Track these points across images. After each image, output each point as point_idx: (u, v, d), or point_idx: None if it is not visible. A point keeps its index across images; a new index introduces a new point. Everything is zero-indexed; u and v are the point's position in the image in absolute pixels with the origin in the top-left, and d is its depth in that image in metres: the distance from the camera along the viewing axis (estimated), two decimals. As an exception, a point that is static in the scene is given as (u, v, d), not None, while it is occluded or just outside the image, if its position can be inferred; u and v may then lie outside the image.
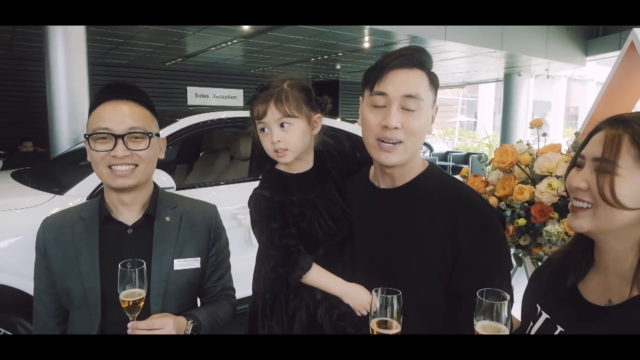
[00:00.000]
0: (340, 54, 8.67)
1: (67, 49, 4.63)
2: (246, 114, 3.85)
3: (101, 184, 2.61)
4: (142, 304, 1.00)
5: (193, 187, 3.04)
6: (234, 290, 1.34)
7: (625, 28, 9.22)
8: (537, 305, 0.93)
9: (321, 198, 1.10)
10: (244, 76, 11.20)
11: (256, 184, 3.59)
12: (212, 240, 1.24)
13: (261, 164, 3.22)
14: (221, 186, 3.16)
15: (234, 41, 7.35)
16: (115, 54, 8.38)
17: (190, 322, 1.12)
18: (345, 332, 1.03)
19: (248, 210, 3.25)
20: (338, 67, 10.55)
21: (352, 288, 1.05)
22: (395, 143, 0.99)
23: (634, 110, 1.61)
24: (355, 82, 13.05)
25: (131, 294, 0.99)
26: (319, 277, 1.05)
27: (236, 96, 11.02)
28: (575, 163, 0.86)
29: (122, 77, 9.34)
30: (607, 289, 0.83)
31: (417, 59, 0.99)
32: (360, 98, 1.09)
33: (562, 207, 1.43)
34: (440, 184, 1.06)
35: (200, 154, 4.20)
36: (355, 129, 3.79)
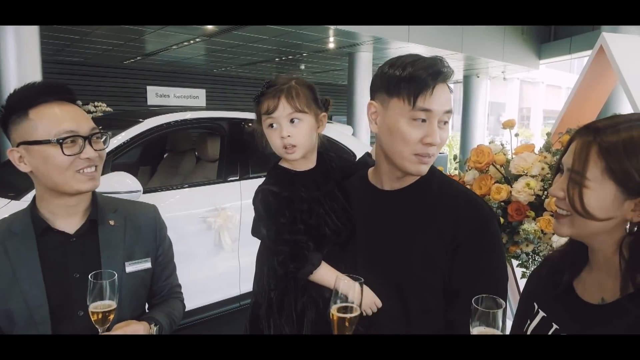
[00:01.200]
0: (305, 55, 8.65)
1: (19, 45, 4.38)
2: (212, 114, 3.73)
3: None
4: (112, 316, 0.96)
5: (158, 190, 2.94)
6: (180, 287, 1.33)
7: (575, 33, 9.71)
8: (535, 303, 0.94)
9: (325, 196, 1.09)
10: (206, 76, 11.00)
11: (225, 186, 3.47)
12: (158, 240, 1.23)
13: (230, 166, 3.16)
14: (188, 189, 3.07)
15: (197, 40, 7.19)
16: (71, 51, 8.01)
17: (153, 325, 1.10)
18: (356, 330, 1.01)
19: (217, 213, 3.13)
20: (302, 67, 10.54)
21: (352, 287, 1.03)
22: (432, 156, 1.02)
23: (601, 110, 1.68)
24: (319, 82, 13.03)
25: (101, 306, 0.95)
26: (326, 274, 1.03)
27: (198, 96, 10.80)
28: (559, 169, 0.88)
29: (78, 75, 8.95)
30: (601, 287, 0.85)
31: (448, 73, 1.00)
32: (375, 104, 1.05)
33: (537, 206, 1.47)
34: (443, 184, 1.08)
35: (165, 156, 4.08)
36: (327, 130, 3.77)
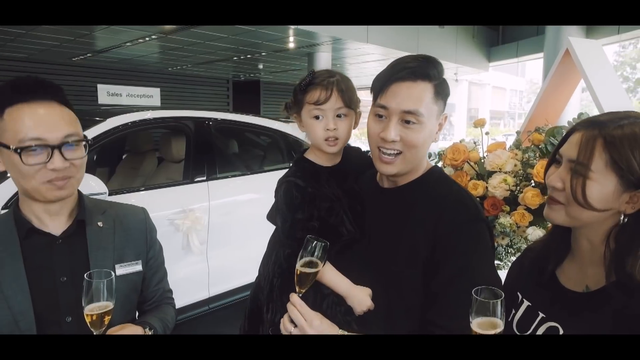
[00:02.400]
0: (264, 54, 8.60)
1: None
2: (178, 113, 3.62)
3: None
4: (108, 318, 0.91)
5: (120, 192, 2.82)
6: (172, 292, 1.30)
7: (521, 38, 10.24)
8: (518, 293, 0.96)
9: (345, 194, 1.09)
10: (160, 74, 10.68)
11: (192, 187, 3.39)
12: (148, 243, 1.19)
13: (197, 166, 3.08)
14: (153, 190, 2.97)
15: (153, 37, 6.98)
16: (14, 46, 7.54)
17: (147, 329, 1.06)
18: (350, 327, 1.02)
19: (185, 214, 3.06)
20: (260, 66, 10.46)
21: (356, 291, 1.04)
22: (394, 155, 1.01)
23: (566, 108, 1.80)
24: (277, 82, 13.03)
25: (97, 307, 0.90)
26: (327, 275, 1.04)
27: (152, 95, 10.46)
28: (554, 160, 0.90)
29: (22, 72, 8.43)
30: (584, 275, 0.88)
31: (422, 71, 0.97)
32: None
33: (512, 200, 1.54)
34: (439, 184, 1.06)
35: (124, 157, 3.92)
36: (291, 129, 3.77)
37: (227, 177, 3.25)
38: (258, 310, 1.15)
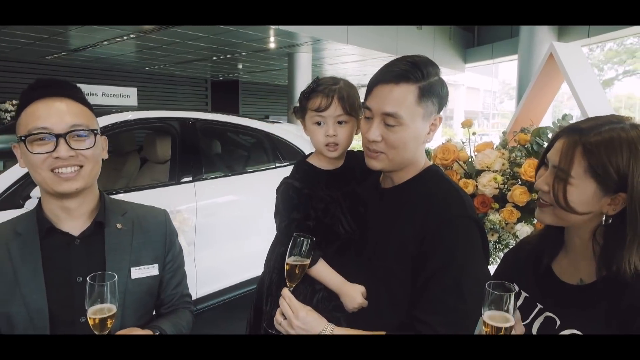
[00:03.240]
0: (243, 54, 8.56)
1: None
2: (164, 114, 3.58)
3: (7, 190, 2.29)
4: (111, 321, 0.91)
5: (110, 192, 2.78)
6: (190, 297, 1.29)
7: (496, 40, 10.49)
8: (515, 285, 0.98)
9: (345, 196, 1.13)
10: (137, 74, 10.51)
11: (179, 187, 3.37)
12: (167, 246, 1.18)
13: (183, 167, 3.07)
14: (138, 192, 2.94)
15: (131, 36, 6.86)
16: (-17, 44, 7.31)
17: (157, 333, 1.06)
18: (338, 323, 1.06)
19: (172, 215, 3.06)
20: (240, 66, 10.41)
21: (348, 288, 1.08)
22: (378, 152, 1.04)
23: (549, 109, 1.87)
24: (255, 82, 12.98)
25: (100, 310, 0.90)
26: (321, 272, 1.09)
27: (129, 95, 10.28)
28: (543, 163, 0.94)
29: (-7, 71, 8.20)
30: (577, 269, 0.92)
31: (404, 73, 0.98)
32: None
33: (500, 198, 1.61)
34: (431, 182, 1.07)
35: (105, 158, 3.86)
36: (276, 129, 3.78)
37: (214, 177, 3.24)
38: (260, 302, 1.20)
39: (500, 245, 1.65)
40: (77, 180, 1.01)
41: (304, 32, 6.82)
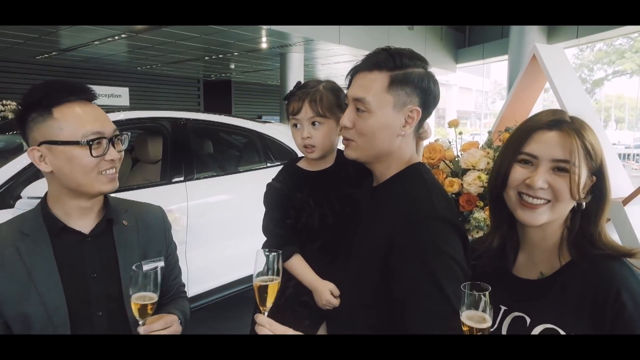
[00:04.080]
0: (236, 54, 8.57)
1: None
2: (155, 114, 3.59)
3: (0, 189, 2.29)
4: (152, 307, 0.94)
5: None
6: (184, 286, 1.35)
7: (487, 40, 10.57)
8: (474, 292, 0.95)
9: (329, 196, 1.16)
10: (129, 73, 10.47)
11: (170, 187, 3.38)
12: (167, 240, 1.24)
13: (174, 167, 3.08)
14: (129, 192, 2.94)
15: (122, 36, 6.85)
16: (-27, 44, 7.26)
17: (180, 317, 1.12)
18: (302, 319, 1.13)
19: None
20: (232, 66, 10.41)
21: (319, 284, 1.12)
22: (349, 140, 1.03)
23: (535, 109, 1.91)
24: (248, 82, 12.97)
25: (142, 297, 0.94)
26: (296, 267, 1.15)
27: (121, 95, 10.24)
28: (517, 160, 0.89)
29: (-18, 70, 8.14)
30: (535, 263, 0.91)
31: (375, 61, 0.98)
32: None
33: (485, 196, 1.64)
34: (408, 182, 1.02)
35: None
36: (267, 129, 3.80)
37: (205, 177, 3.26)
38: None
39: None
40: (115, 180, 1.07)
41: (295, 33, 6.84)
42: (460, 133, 1.91)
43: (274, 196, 1.19)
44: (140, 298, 0.94)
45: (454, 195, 1.68)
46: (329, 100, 1.15)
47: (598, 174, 0.87)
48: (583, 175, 0.85)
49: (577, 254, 0.87)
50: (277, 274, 0.91)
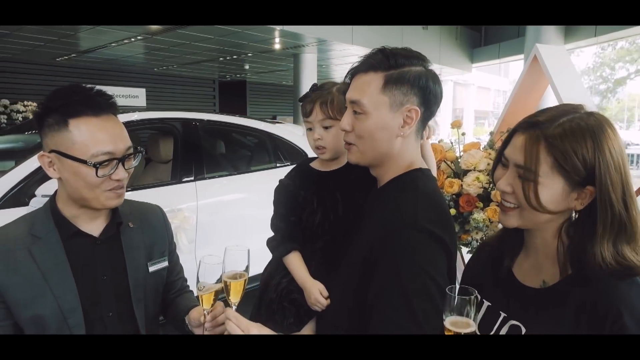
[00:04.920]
0: (250, 55, 8.64)
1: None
2: (166, 114, 3.66)
3: (14, 188, 2.37)
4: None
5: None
6: (187, 280, 1.37)
7: (503, 39, 10.45)
8: (477, 294, 0.88)
9: (334, 197, 1.18)
10: (146, 74, 10.64)
11: (181, 187, 3.43)
12: (169, 239, 1.27)
13: (185, 166, 3.14)
14: (141, 190, 3.02)
15: (138, 38, 6.97)
16: (-3, 46, 7.49)
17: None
18: (288, 315, 1.17)
19: (173, 214, 3.13)
20: (247, 67, 10.49)
21: (309, 284, 1.14)
22: (350, 144, 1.03)
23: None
24: (262, 82, 13.06)
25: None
26: (292, 264, 1.18)
27: (138, 95, 10.41)
28: (500, 161, 0.89)
29: (6, 72, 8.39)
30: (539, 271, 0.87)
31: (370, 62, 0.98)
32: None
33: (485, 197, 1.64)
34: (400, 189, 1.00)
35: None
36: (277, 130, 3.83)
37: (214, 177, 3.31)
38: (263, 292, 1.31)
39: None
40: (122, 197, 1.08)
41: (308, 33, 6.87)
42: (463, 134, 1.91)
43: (281, 193, 1.23)
44: (207, 289, 0.96)
45: (454, 196, 1.69)
46: (340, 102, 1.15)
47: (596, 184, 0.78)
48: (551, 185, 0.79)
49: (575, 268, 0.81)
50: (245, 270, 0.96)
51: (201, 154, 3.26)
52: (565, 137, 0.78)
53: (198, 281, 0.96)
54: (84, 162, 0.99)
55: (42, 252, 1.04)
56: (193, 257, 3.07)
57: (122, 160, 1.04)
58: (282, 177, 1.28)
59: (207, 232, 3.13)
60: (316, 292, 1.12)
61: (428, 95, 0.98)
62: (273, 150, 3.82)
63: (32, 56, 8.35)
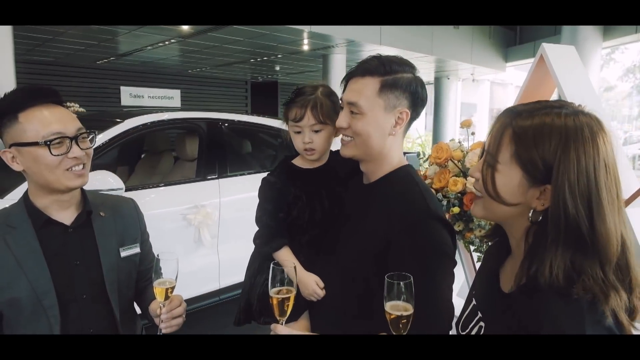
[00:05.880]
0: (279, 56, 8.77)
1: (-8, 46, 4.37)
2: (191, 114, 3.80)
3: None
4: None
5: (137, 188, 3.02)
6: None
7: (539, 37, 10.15)
8: (473, 292, 0.97)
9: (320, 193, 1.25)
10: (181, 76, 10.97)
11: (204, 184, 3.56)
12: (141, 229, 1.34)
13: (209, 165, 3.26)
14: (168, 187, 3.16)
15: (172, 41, 7.23)
16: (42, 50, 7.90)
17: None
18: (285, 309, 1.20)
19: (197, 210, 3.26)
20: (277, 68, 10.65)
21: (304, 276, 1.19)
22: (349, 139, 1.13)
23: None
24: (293, 83, 13.18)
25: (163, 282, 1.09)
26: (283, 258, 1.22)
27: (173, 97, 10.76)
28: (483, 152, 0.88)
29: (50, 75, 8.82)
30: (514, 274, 0.82)
31: (367, 67, 1.08)
32: None
33: (489, 196, 1.65)
34: (397, 183, 1.12)
35: (142, 156, 4.14)
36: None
37: (236, 175, 3.42)
38: (246, 286, 1.37)
39: (486, 239, 1.70)
40: (84, 176, 1.15)
41: (337, 34, 6.92)
42: (473, 133, 1.93)
43: (268, 189, 1.26)
44: (161, 283, 1.07)
45: (459, 194, 1.71)
46: (328, 107, 1.21)
47: (552, 182, 0.73)
48: (509, 174, 0.77)
49: (527, 277, 0.75)
50: (291, 284, 1.00)
51: (225, 152, 3.38)
52: (530, 128, 0.75)
53: (156, 276, 1.08)
54: (36, 144, 1.08)
55: (16, 240, 1.12)
56: (215, 252, 3.20)
57: (75, 139, 1.11)
58: (268, 172, 1.33)
59: (229, 228, 3.24)
60: (313, 284, 1.17)
61: (417, 100, 1.11)
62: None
63: (74, 59, 8.78)
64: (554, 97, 1.85)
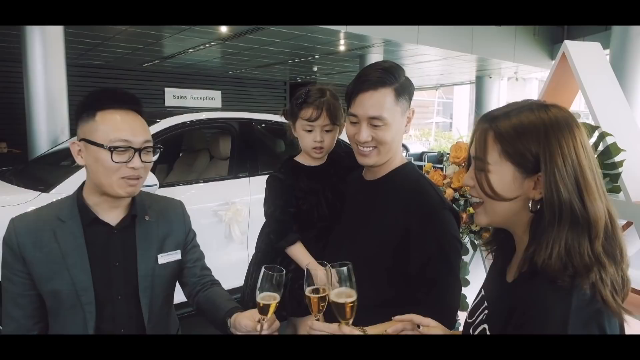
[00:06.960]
0: (317, 57, 8.84)
1: (45, 50, 4.66)
2: (224, 114, 3.92)
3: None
4: (274, 306, 1.03)
5: (174, 185, 3.16)
6: (210, 270, 1.39)
7: (587, 34, 9.69)
8: (483, 285, 1.00)
9: (325, 189, 1.31)
10: (221, 77, 11.25)
11: (236, 182, 3.67)
12: (187, 233, 1.34)
13: (240, 163, 3.36)
14: (202, 184, 3.29)
15: (212, 43, 7.45)
16: (93, 54, 8.35)
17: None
18: (300, 301, 1.21)
19: (228, 207, 3.37)
20: (315, 69, 10.73)
21: (321, 269, 1.22)
22: (370, 149, 1.17)
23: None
24: (331, 83, 13.10)
25: (268, 297, 1.02)
26: (296, 252, 1.28)
27: (214, 97, 11.07)
28: (469, 160, 0.91)
29: (100, 78, 9.27)
30: (517, 266, 0.86)
31: (380, 80, 1.13)
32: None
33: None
34: (408, 177, 1.20)
35: (180, 155, 4.31)
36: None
37: (267, 173, 3.48)
38: (247, 277, 1.46)
39: (487, 247, 1.68)
40: (136, 187, 1.16)
41: (373, 34, 6.90)
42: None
43: (277, 185, 1.32)
44: (266, 297, 1.02)
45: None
46: (338, 109, 1.28)
47: (541, 170, 0.78)
48: (501, 172, 0.81)
49: (528, 267, 0.79)
50: (327, 288, 1.00)
51: (256, 151, 3.47)
52: (511, 127, 0.80)
53: (261, 290, 1.01)
54: (101, 146, 1.10)
55: (65, 234, 1.15)
56: (245, 247, 3.29)
57: (139, 151, 1.13)
58: (274, 170, 1.38)
59: (258, 225, 3.30)
60: (324, 278, 1.21)
61: (411, 97, 1.21)
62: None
63: (121, 63, 9.20)
64: (577, 99, 1.79)
